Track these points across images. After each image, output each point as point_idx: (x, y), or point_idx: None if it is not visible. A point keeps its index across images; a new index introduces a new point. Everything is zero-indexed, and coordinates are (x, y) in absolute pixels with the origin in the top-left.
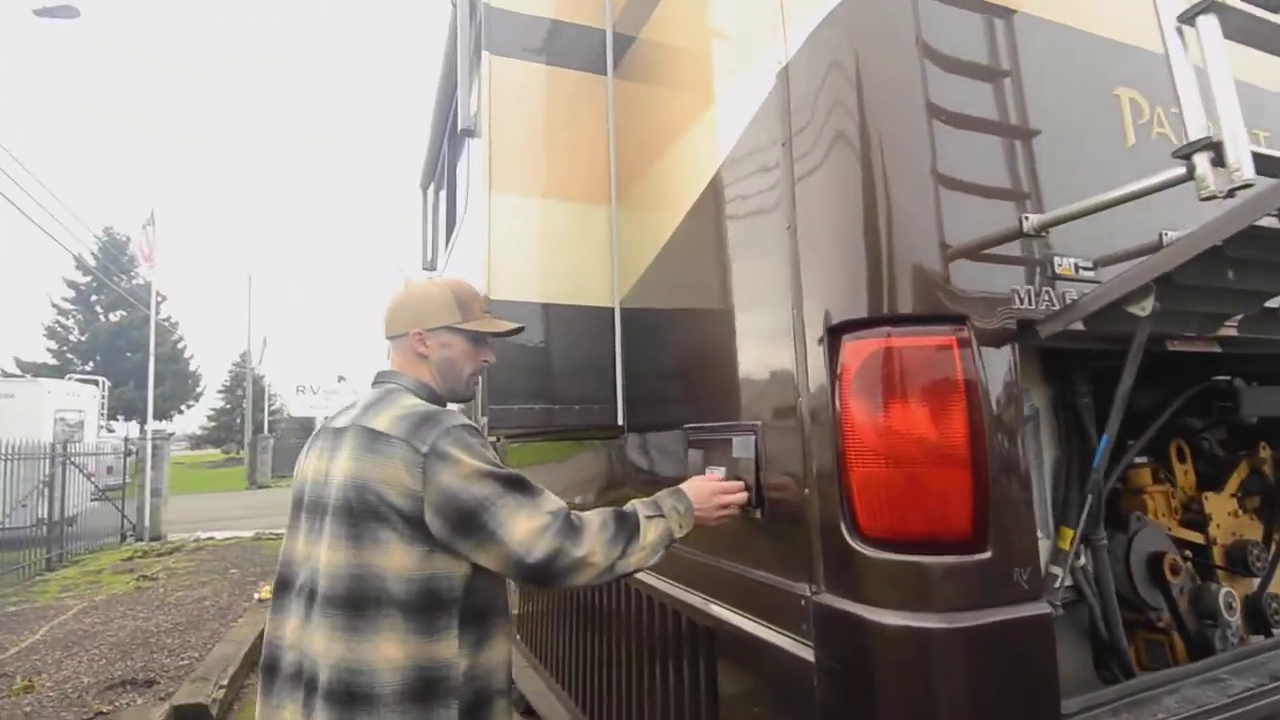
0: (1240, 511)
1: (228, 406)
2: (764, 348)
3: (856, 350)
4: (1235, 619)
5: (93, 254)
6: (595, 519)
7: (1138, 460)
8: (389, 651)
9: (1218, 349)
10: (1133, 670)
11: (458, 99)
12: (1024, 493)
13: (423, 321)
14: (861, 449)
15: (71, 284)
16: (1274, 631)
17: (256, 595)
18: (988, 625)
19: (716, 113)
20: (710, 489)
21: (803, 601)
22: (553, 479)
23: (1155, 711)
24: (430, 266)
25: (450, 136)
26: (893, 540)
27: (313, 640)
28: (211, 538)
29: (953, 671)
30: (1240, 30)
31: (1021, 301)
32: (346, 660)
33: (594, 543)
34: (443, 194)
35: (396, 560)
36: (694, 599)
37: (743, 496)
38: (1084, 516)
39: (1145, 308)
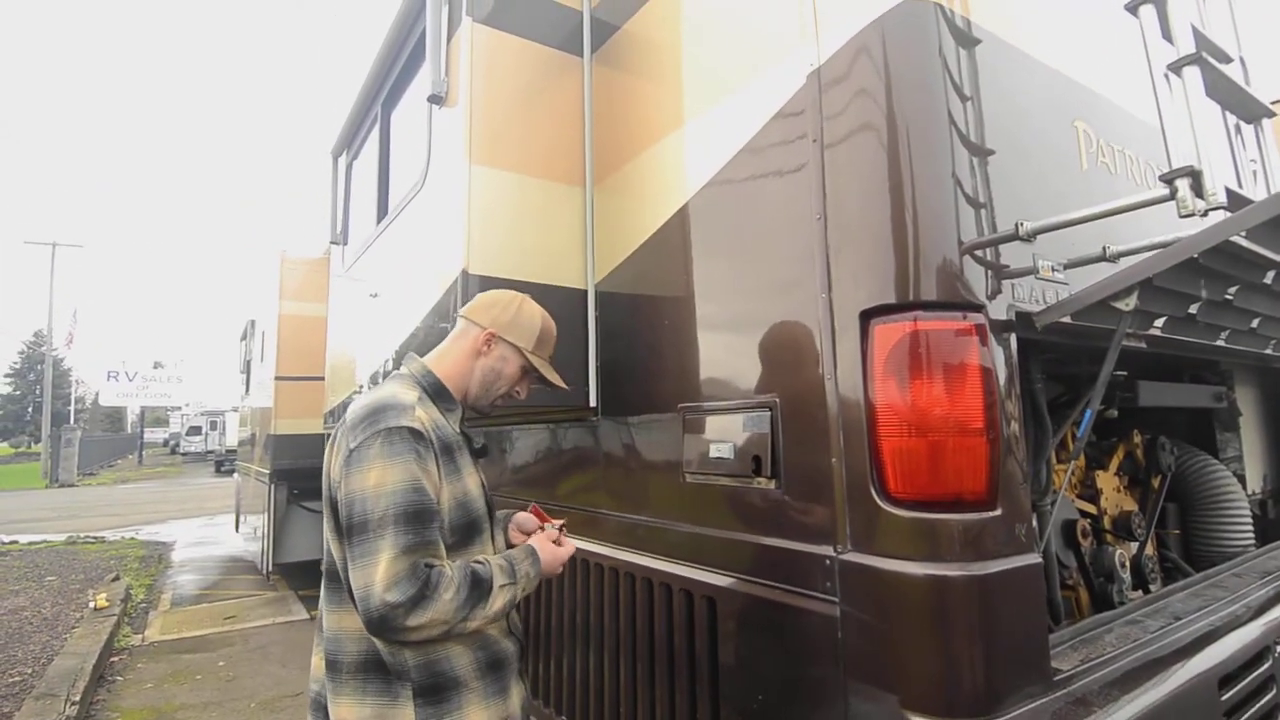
0: (1121, 487)
1: (17, 393)
2: (785, 329)
3: (887, 333)
4: (1126, 575)
5: None
6: (452, 583)
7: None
8: (350, 622)
9: (1144, 345)
10: (1061, 618)
11: (404, 65)
12: (1021, 460)
13: (504, 328)
14: (892, 421)
15: None
16: (1151, 586)
17: (91, 604)
18: (998, 573)
19: (726, 109)
20: (555, 553)
21: (828, 561)
22: (526, 467)
23: (1103, 648)
24: (340, 240)
25: (386, 104)
26: (919, 501)
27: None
28: (15, 541)
29: (969, 614)
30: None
31: (1017, 296)
32: (332, 629)
33: (437, 611)
34: (357, 164)
35: (338, 548)
36: (690, 571)
37: (571, 549)
38: (1055, 483)
39: (1129, 304)
